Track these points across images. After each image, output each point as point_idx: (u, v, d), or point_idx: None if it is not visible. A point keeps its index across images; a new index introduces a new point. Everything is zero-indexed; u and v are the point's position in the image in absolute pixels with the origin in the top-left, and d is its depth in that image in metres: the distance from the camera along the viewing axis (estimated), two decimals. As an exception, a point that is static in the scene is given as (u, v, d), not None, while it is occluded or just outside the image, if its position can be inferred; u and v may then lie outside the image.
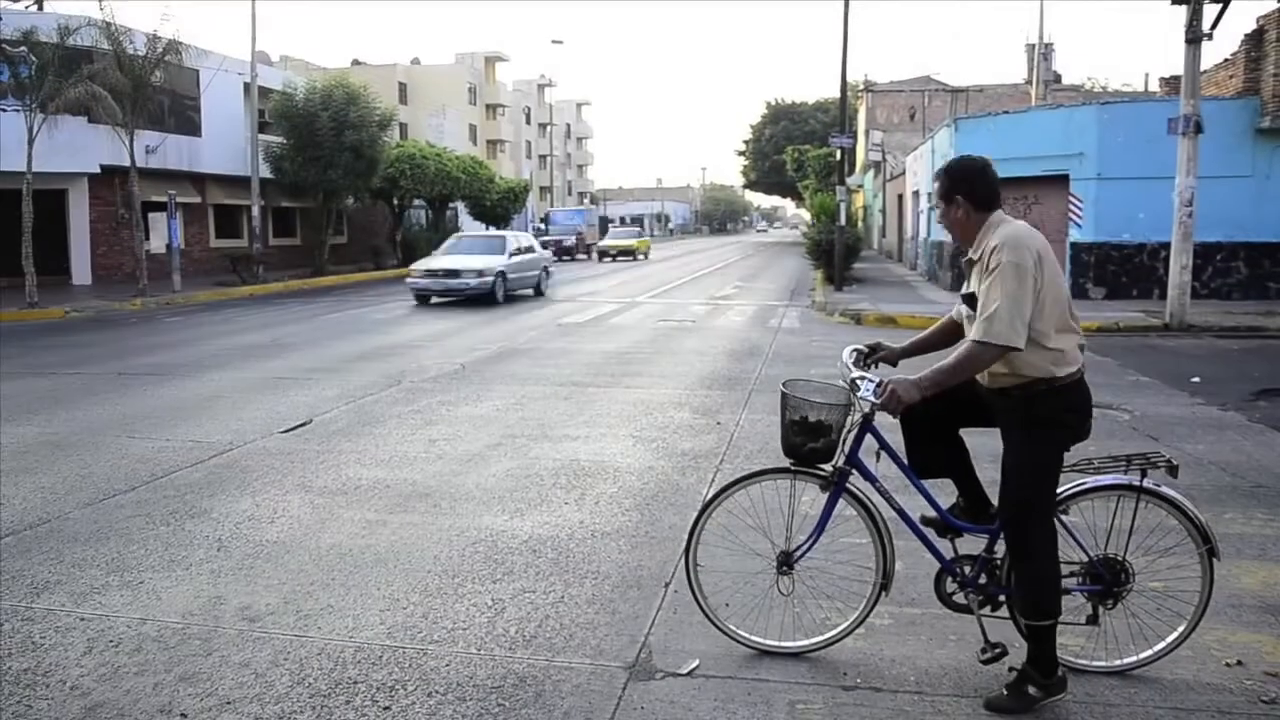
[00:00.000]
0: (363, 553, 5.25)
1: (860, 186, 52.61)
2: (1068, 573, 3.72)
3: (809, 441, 3.75)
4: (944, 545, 3.86)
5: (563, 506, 6.11)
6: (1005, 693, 3.56)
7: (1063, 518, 3.73)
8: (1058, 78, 49.68)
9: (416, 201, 41.27)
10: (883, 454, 3.85)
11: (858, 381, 3.58)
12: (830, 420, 3.72)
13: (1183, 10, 14.95)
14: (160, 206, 25.30)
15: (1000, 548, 3.71)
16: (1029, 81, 40.20)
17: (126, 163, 23.30)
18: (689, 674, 3.82)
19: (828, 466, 3.81)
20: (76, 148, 24.59)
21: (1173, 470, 3.67)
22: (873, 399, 3.51)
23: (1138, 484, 3.68)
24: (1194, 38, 14.90)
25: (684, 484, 6.62)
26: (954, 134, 22.87)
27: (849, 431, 3.77)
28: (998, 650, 3.63)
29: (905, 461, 3.87)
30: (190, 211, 30.53)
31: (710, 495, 4.06)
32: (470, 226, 47.23)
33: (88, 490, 6.51)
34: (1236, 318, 16.02)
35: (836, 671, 3.83)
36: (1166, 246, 16.48)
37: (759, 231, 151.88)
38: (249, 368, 12.05)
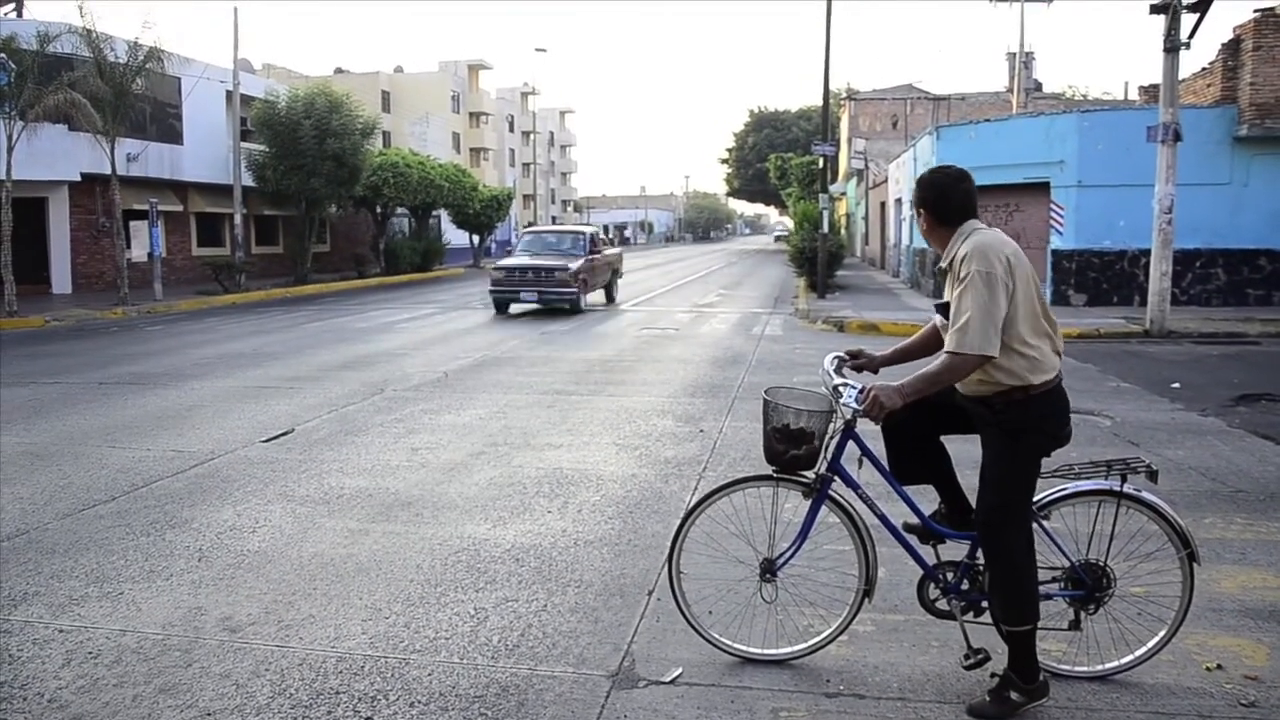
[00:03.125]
0: (345, 562, 5.22)
1: (843, 194, 52.81)
2: (1050, 578, 3.73)
3: (791, 449, 3.75)
4: (926, 552, 3.87)
5: (545, 515, 6.10)
6: (987, 698, 3.57)
7: (1044, 523, 3.74)
8: (1038, 86, 50.00)
9: (400, 210, 41.19)
10: (865, 460, 3.86)
11: (840, 388, 3.59)
12: (813, 427, 3.73)
13: (1161, 19, 15.09)
14: (142, 215, 25.16)
15: (968, 551, 3.72)
16: (1010, 90, 40.47)
17: (107, 170, 23.19)
18: (672, 682, 3.82)
19: (810, 473, 3.81)
20: (57, 155, 24.47)
21: (1153, 475, 3.69)
22: (855, 405, 3.51)
23: (1118, 489, 3.70)
24: (1172, 47, 15.04)
25: (667, 492, 6.61)
26: (936, 142, 22.99)
27: (831, 438, 3.78)
28: (980, 656, 3.64)
29: (887, 468, 3.88)
30: (172, 220, 30.39)
31: (693, 503, 4.06)
32: (453, 235, 47.24)
33: (67, 500, 6.45)
34: (1216, 324, 16.15)
35: (819, 679, 3.83)
36: (1147, 253, 16.62)
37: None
38: (231, 376, 11.99)
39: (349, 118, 31.88)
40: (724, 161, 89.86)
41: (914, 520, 3.88)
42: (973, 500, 3.79)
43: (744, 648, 4.01)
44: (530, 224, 73.03)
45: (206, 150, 31.36)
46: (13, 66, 20.08)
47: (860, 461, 3.86)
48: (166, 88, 28.82)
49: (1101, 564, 3.74)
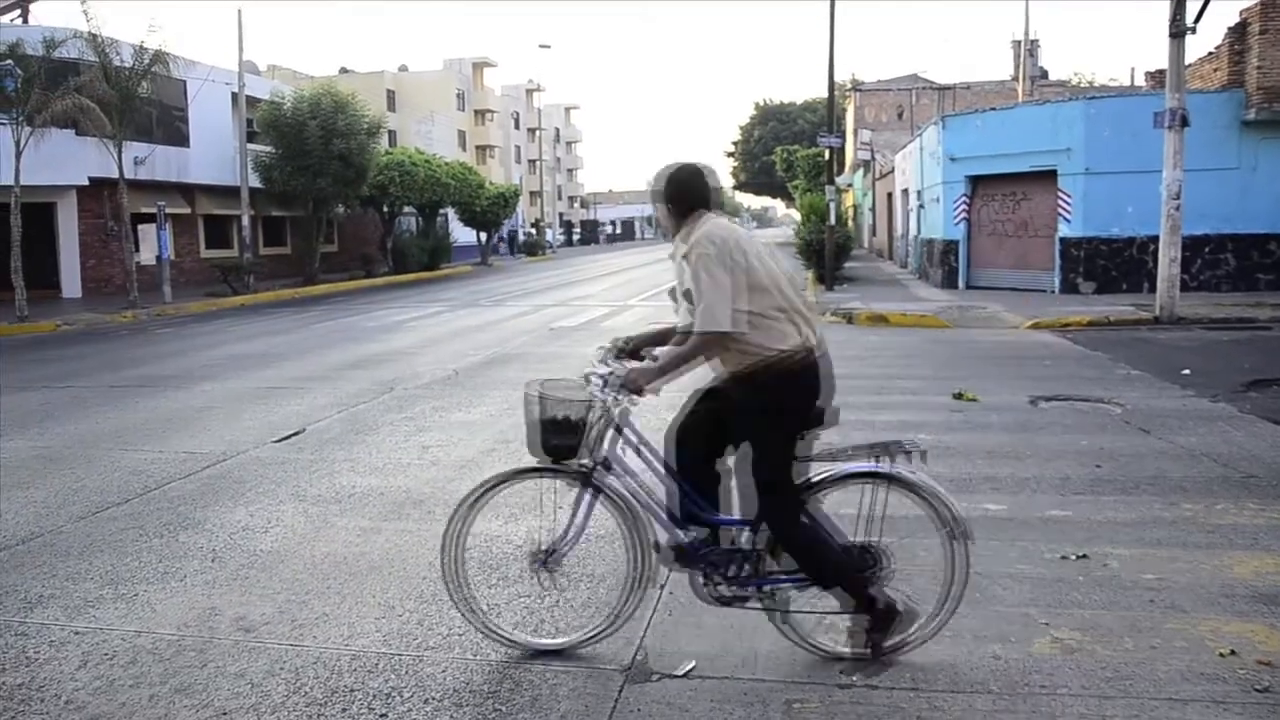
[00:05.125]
0: (357, 560, 5.24)
1: (850, 185, 52.68)
2: None
3: (561, 439, 3.82)
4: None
5: (557, 510, 6.08)
6: (866, 647, 3.74)
7: (819, 506, 3.83)
8: (1044, 73, 49.82)
9: (407, 208, 41.24)
10: (640, 447, 3.93)
11: (591, 377, 3.74)
12: (580, 417, 3.80)
13: (1166, 4, 15.01)
14: (149, 218, 25.24)
15: (746, 538, 3.83)
16: (1015, 78, 40.32)
17: (115, 174, 23.26)
18: (685, 675, 3.82)
19: (581, 463, 3.89)
20: (64, 160, 24.55)
21: (922, 456, 3.76)
22: (604, 393, 3.67)
23: (885, 471, 3.77)
24: (1178, 31, 14.96)
25: (678, 486, 6.60)
26: (942, 131, 22.92)
27: (600, 427, 3.85)
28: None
29: (663, 456, 3.94)
30: (180, 222, 30.49)
31: (467, 498, 4.06)
32: (460, 233, 47.24)
33: (81, 503, 6.49)
34: (1226, 309, 16.08)
35: (832, 669, 3.83)
36: (1155, 240, 16.52)
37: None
38: (241, 378, 12.02)
39: (354, 117, 31.94)
40: (730, 155, 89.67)
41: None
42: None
43: (528, 638, 4.08)
44: (537, 221, 73.05)
45: (213, 152, 31.45)
46: (19, 72, 20.16)
47: (630, 448, 3.93)
48: (172, 90, 28.90)
49: (876, 545, 3.80)
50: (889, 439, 3.82)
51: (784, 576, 3.84)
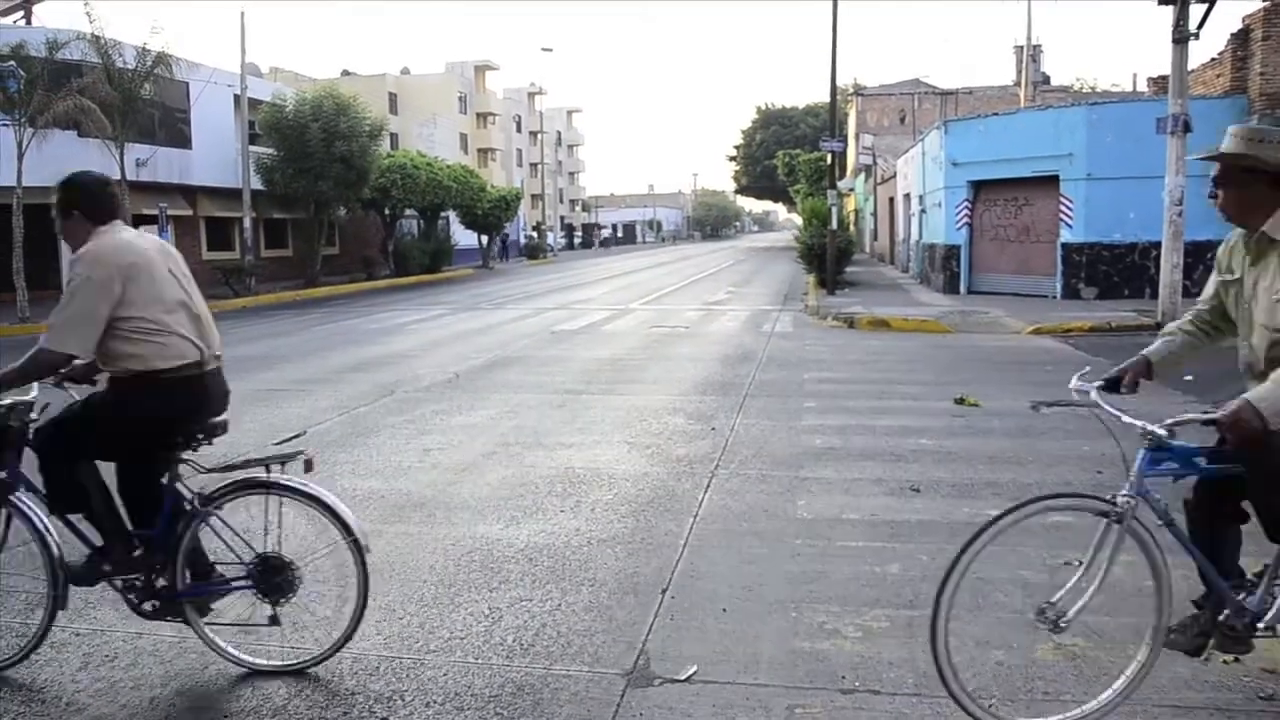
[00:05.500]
0: (359, 563, 5.22)
1: (851, 190, 52.73)
2: (234, 574, 3.87)
3: None
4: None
5: (558, 514, 6.10)
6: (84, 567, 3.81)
7: (218, 516, 3.87)
8: (1046, 79, 49.93)
9: (408, 211, 41.27)
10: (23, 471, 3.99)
11: None
12: None
13: (1170, 10, 15.02)
14: (151, 219, 25.26)
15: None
16: (1018, 83, 40.36)
17: (117, 176, 23.23)
18: (687, 680, 3.82)
19: None
20: (66, 162, 23.76)
21: (308, 465, 3.84)
22: None
23: (271, 481, 3.83)
24: (1181, 38, 14.96)
25: (679, 490, 6.61)
26: (944, 136, 22.94)
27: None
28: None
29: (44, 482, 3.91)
30: (181, 224, 30.50)
31: None
32: (462, 236, 47.28)
33: (81, 505, 6.46)
34: (1228, 316, 16.04)
35: (835, 675, 3.83)
36: (1157, 246, 16.52)
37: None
38: (242, 380, 11.98)
39: (356, 120, 31.98)
40: (732, 159, 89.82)
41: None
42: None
43: None
44: (538, 224, 73.08)
45: (215, 154, 31.47)
46: (22, 74, 20.19)
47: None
48: (174, 92, 28.93)
49: (279, 556, 3.86)
50: (282, 451, 3.91)
51: (205, 585, 3.91)
